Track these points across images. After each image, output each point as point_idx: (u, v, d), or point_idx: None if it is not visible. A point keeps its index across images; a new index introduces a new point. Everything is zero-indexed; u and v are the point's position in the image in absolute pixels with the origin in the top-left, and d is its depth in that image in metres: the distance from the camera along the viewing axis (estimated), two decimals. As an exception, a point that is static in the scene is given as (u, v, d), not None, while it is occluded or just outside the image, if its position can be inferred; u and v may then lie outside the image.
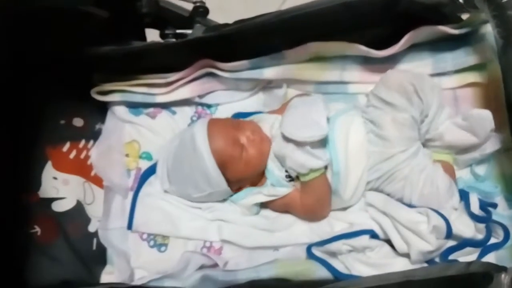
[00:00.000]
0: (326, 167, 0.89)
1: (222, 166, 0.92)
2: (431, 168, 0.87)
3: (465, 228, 0.84)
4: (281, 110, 1.01)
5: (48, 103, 0.95)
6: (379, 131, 0.88)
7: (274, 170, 0.93)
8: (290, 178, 0.92)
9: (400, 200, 0.89)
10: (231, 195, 0.98)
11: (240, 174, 0.94)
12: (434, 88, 0.89)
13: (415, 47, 0.96)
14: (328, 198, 0.91)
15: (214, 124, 0.94)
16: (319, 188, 0.90)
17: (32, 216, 0.89)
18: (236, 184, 0.96)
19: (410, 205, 0.88)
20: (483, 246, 0.86)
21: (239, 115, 1.04)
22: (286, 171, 0.91)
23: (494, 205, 0.88)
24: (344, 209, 0.95)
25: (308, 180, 0.88)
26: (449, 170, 0.91)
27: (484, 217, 0.85)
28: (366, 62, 0.98)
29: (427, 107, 0.88)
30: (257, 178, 0.96)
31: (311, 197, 0.91)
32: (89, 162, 1.02)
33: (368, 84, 0.99)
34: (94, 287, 0.80)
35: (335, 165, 0.88)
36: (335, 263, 0.89)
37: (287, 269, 0.88)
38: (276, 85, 1.03)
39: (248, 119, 1.01)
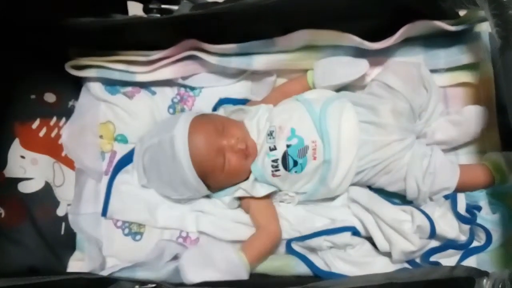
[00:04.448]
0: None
1: (203, 175, 0.88)
2: (429, 152, 0.86)
3: (449, 228, 0.84)
4: (268, 99, 0.97)
5: (18, 75, 0.88)
6: (375, 119, 0.86)
7: (262, 162, 0.89)
8: (276, 168, 0.88)
9: (402, 192, 0.87)
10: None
11: (222, 183, 0.91)
12: (434, 84, 0.89)
13: (408, 42, 0.94)
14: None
15: (196, 129, 0.88)
16: None
17: (-5, 196, 0.84)
18: (217, 188, 0.92)
19: (403, 198, 0.87)
20: (465, 249, 0.85)
21: (225, 101, 1.00)
22: (273, 161, 0.87)
23: (479, 208, 0.87)
24: (328, 202, 0.93)
25: None
26: (476, 171, 0.88)
27: (469, 218, 0.84)
28: (358, 54, 0.95)
29: (428, 100, 0.88)
30: None
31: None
32: (60, 142, 0.96)
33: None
34: (62, 277, 0.75)
35: (326, 152, 0.85)
36: (315, 259, 0.87)
37: (266, 264, 0.87)
38: (265, 73, 0.99)
39: (234, 108, 0.96)
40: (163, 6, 0.92)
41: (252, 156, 0.89)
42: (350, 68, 0.91)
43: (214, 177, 0.88)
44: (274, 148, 0.87)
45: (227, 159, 0.87)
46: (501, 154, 0.88)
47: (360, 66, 0.90)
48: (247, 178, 0.91)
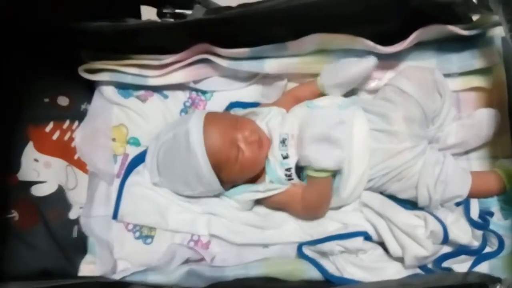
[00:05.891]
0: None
1: (217, 167, 0.88)
2: (442, 159, 0.85)
3: (462, 234, 0.83)
4: (279, 103, 0.97)
5: (32, 79, 0.89)
6: (386, 126, 0.85)
7: (276, 167, 0.89)
8: (290, 177, 0.88)
9: (413, 199, 0.86)
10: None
11: (235, 176, 0.90)
12: (448, 89, 0.89)
13: (420, 46, 0.93)
14: (329, 199, 0.89)
15: (211, 121, 0.89)
16: (323, 187, 0.87)
17: (9, 199, 0.84)
18: (230, 184, 0.92)
19: (415, 205, 0.86)
20: (478, 255, 0.85)
21: (235, 105, 1.00)
22: (287, 169, 0.88)
23: (491, 214, 0.87)
24: (338, 208, 0.92)
25: (314, 176, 0.85)
26: (487, 178, 0.88)
27: (482, 224, 0.84)
28: (369, 58, 0.95)
29: (442, 105, 0.87)
30: (256, 175, 0.92)
31: (314, 193, 0.87)
32: (73, 145, 0.97)
33: (369, 80, 0.96)
34: (76, 280, 0.75)
35: None
36: (326, 264, 0.87)
37: (277, 268, 0.86)
38: (276, 77, 0.99)
39: (245, 111, 0.97)
40: (176, 10, 0.92)
41: (265, 148, 0.89)
42: (358, 65, 0.89)
43: (228, 169, 0.88)
44: (287, 156, 0.87)
45: (241, 150, 0.87)
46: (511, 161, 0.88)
47: (367, 62, 0.89)
48: (259, 178, 0.92)
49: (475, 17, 0.89)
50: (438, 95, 0.88)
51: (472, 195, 0.86)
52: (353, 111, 0.88)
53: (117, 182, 0.98)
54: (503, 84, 0.93)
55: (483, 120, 0.90)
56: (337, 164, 0.83)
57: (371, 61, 0.89)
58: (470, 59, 0.92)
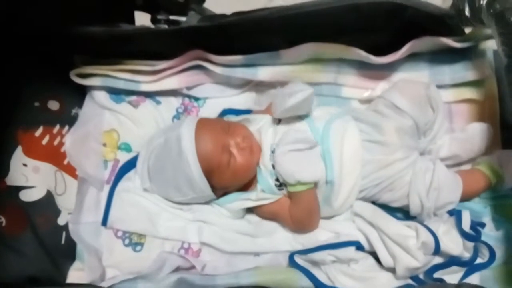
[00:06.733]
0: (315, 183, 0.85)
1: (208, 173, 0.87)
2: (432, 166, 0.85)
3: (454, 245, 0.83)
4: (270, 109, 0.97)
5: (22, 82, 0.88)
6: (378, 137, 0.85)
7: (267, 176, 0.89)
8: (281, 187, 0.88)
9: (405, 208, 0.86)
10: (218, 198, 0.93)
11: (226, 182, 0.90)
12: (441, 104, 0.89)
13: (413, 57, 0.94)
14: (317, 212, 0.88)
15: (202, 126, 0.88)
16: (306, 201, 0.86)
17: (-3, 204, 0.83)
18: (221, 190, 0.92)
19: (405, 215, 0.86)
20: (469, 266, 0.85)
21: (228, 112, 1.00)
22: (277, 179, 0.88)
23: (483, 225, 0.87)
24: (330, 217, 0.92)
25: (294, 192, 0.85)
26: (473, 178, 0.89)
27: (474, 236, 0.84)
28: (362, 67, 0.95)
29: (434, 119, 0.88)
30: (247, 183, 0.92)
31: (299, 209, 0.87)
32: (62, 150, 0.96)
33: (362, 90, 0.97)
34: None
35: (329, 173, 0.85)
36: (318, 273, 0.86)
37: (268, 277, 0.85)
38: (269, 85, 0.99)
39: (238, 118, 0.97)
40: (171, 17, 0.92)
41: (256, 154, 0.89)
42: (295, 97, 0.85)
43: (220, 174, 0.87)
44: None
45: (233, 156, 0.87)
46: (491, 156, 0.89)
47: (301, 95, 0.85)
48: (251, 186, 0.91)
49: (467, 30, 0.90)
50: (430, 109, 0.89)
51: (462, 198, 0.86)
52: (344, 122, 0.88)
53: (107, 188, 0.96)
54: (494, 97, 0.94)
55: (475, 134, 0.91)
56: (311, 176, 0.82)
57: (306, 93, 0.85)
58: (462, 71, 0.93)
